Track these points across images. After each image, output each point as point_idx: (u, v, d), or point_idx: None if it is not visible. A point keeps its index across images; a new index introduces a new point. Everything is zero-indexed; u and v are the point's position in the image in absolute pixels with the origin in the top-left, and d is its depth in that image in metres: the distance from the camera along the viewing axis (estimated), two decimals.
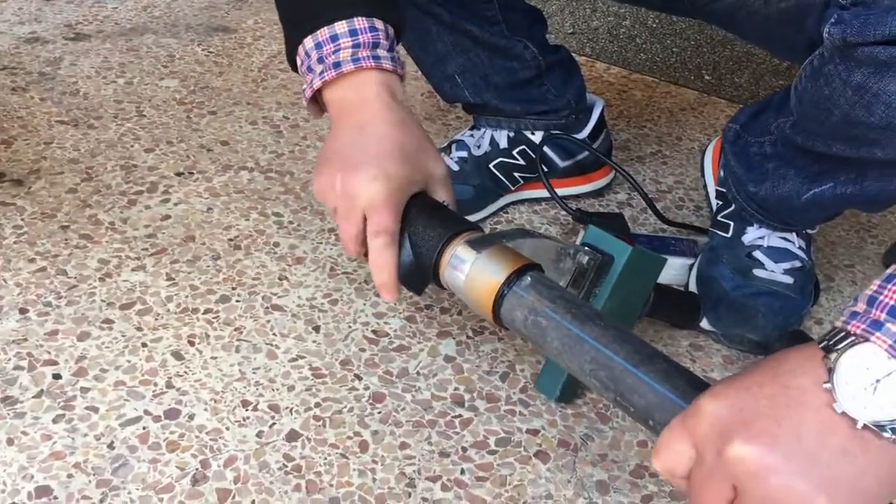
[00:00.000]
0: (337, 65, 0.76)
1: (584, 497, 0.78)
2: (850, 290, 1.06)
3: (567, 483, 0.79)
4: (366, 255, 0.77)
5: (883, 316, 0.45)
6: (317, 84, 0.77)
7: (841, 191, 0.84)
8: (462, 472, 0.79)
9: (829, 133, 0.77)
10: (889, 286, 0.46)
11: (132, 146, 1.22)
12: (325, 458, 0.79)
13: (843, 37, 0.66)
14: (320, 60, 0.77)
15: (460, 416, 0.84)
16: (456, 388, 0.87)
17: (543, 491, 0.78)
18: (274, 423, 0.81)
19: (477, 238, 0.74)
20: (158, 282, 0.97)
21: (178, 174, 1.16)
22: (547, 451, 0.81)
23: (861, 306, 0.47)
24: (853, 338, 0.46)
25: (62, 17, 1.60)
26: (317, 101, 0.81)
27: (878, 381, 0.45)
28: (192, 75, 1.43)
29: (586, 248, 0.80)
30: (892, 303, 0.45)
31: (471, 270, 0.72)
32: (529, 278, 0.69)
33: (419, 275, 0.77)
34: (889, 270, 0.47)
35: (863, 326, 0.46)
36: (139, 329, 0.90)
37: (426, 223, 0.76)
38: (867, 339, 0.45)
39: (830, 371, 0.46)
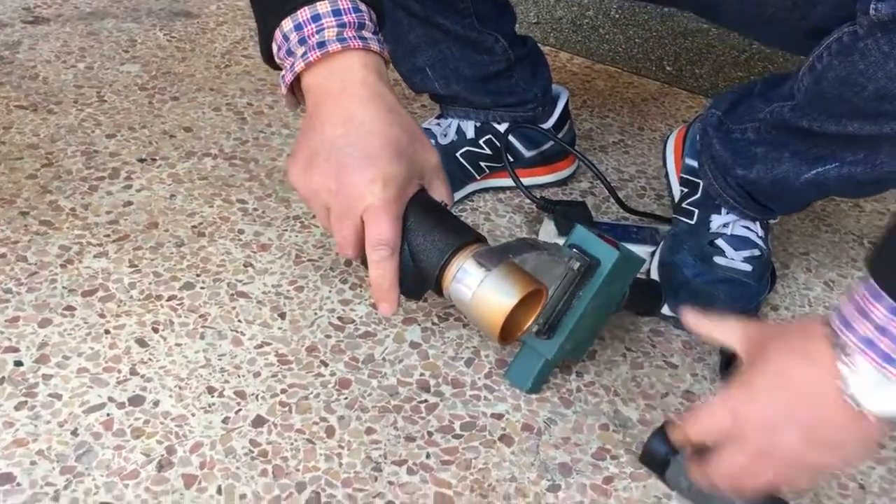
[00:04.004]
0: (321, 45, 0.71)
1: (547, 479, 0.79)
2: (805, 278, 1.09)
3: (530, 466, 0.80)
4: (363, 259, 0.74)
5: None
6: (299, 67, 0.72)
7: (848, 170, 0.84)
8: (428, 456, 0.80)
9: (853, 111, 0.78)
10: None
11: (93, 132, 1.20)
12: (292, 444, 0.79)
13: (892, 12, 0.69)
14: (302, 42, 0.72)
15: (426, 401, 0.85)
16: (422, 374, 0.88)
17: (507, 474, 0.79)
18: (240, 410, 0.82)
19: (485, 252, 0.73)
20: (121, 268, 0.96)
21: (141, 160, 1.15)
22: (511, 435, 0.83)
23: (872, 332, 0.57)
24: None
25: (20, 0, 1.57)
26: (293, 91, 0.76)
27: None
28: (153, 60, 1.42)
29: (575, 251, 0.81)
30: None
31: (479, 288, 0.71)
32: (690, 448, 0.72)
33: (418, 283, 0.75)
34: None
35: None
36: (102, 316, 0.90)
37: (428, 231, 0.73)
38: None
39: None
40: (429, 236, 0.73)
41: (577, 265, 0.80)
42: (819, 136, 0.84)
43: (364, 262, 0.74)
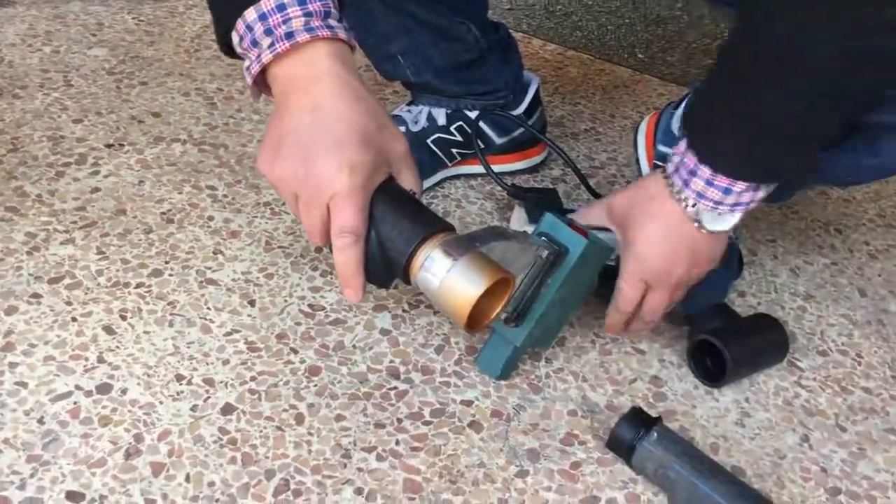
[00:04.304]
0: (290, 35, 0.70)
1: (516, 464, 0.80)
2: (772, 264, 1.10)
3: (500, 451, 0.81)
4: (332, 246, 0.74)
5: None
6: (267, 58, 0.71)
7: (850, 157, 0.84)
8: (397, 442, 0.80)
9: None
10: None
11: (59, 116, 1.19)
12: (261, 431, 0.79)
13: None
14: (268, 32, 0.71)
15: (396, 388, 0.85)
16: (392, 361, 0.88)
17: (476, 459, 0.79)
18: (209, 397, 0.81)
19: (452, 241, 0.74)
20: (88, 255, 0.95)
21: (108, 146, 1.14)
22: (480, 422, 0.83)
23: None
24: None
25: None
26: (256, 81, 0.75)
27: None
28: (121, 44, 1.40)
29: (543, 239, 0.81)
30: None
31: (446, 277, 0.71)
32: (656, 434, 0.77)
33: (386, 271, 0.75)
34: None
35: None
36: (69, 303, 0.89)
37: (396, 220, 0.73)
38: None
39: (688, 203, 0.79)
40: (396, 225, 0.73)
41: (545, 253, 0.80)
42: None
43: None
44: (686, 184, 0.78)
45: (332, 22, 0.72)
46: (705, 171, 0.76)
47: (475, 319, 0.74)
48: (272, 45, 0.71)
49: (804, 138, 0.75)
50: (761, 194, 0.77)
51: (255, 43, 0.72)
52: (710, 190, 0.77)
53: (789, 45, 0.68)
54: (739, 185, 0.76)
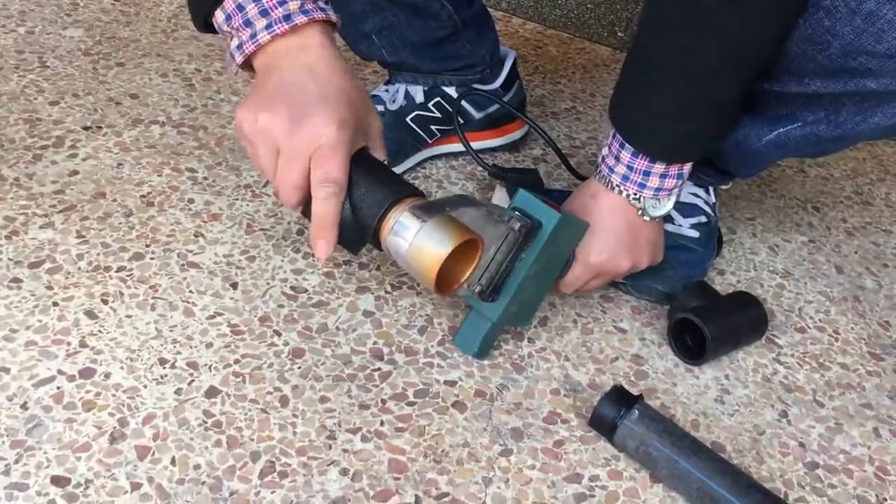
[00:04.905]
0: (288, 17, 0.73)
1: (500, 444, 0.81)
2: (751, 242, 1.12)
3: (483, 431, 0.81)
4: (305, 210, 0.75)
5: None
6: (264, 39, 0.73)
7: (811, 129, 0.86)
8: (382, 423, 0.81)
9: (816, 69, 0.79)
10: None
11: (35, 99, 1.17)
12: (246, 414, 0.79)
13: None
14: (263, 13, 0.73)
15: (379, 369, 0.86)
16: (375, 343, 0.89)
17: (461, 439, 0.80)
18: (193, 381, 0.81)
19: (421, 205, 0.74)
20: (68, 239, 0.95)
21: (86, 128, 1.13)
22: (464, 402, 0.84)
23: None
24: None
25: None
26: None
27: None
28: (97, 25, 1.38)
29: (517, 212, 0.82)
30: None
31: (415, 239, 0.72)
32: (637, 412, 0.78)
33: (357, 235, 0.76)
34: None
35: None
36: (49, 288, 0.89)
37: (369, 184, 0.75)
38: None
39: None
40: (369, 189, 0.75)
41: (517, 226, 0.81)
42: (779, 96, 0.85)
43: (305, 213, 0.75)
44: (611, 170, 0.87)
45: (321, 3, 0.75)
46: (626, 155, 0.85)
47: (445, 282, 0.75)
48: (269, 26, 0.73)
49: (705, 104, 0.82)
50: (683, 172, 0.86)
51: (247, 23, 0.74)
52: (632, 174, 0.86)
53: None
54: (658, 167, 0.85)
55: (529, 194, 0.83)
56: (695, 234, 0.99)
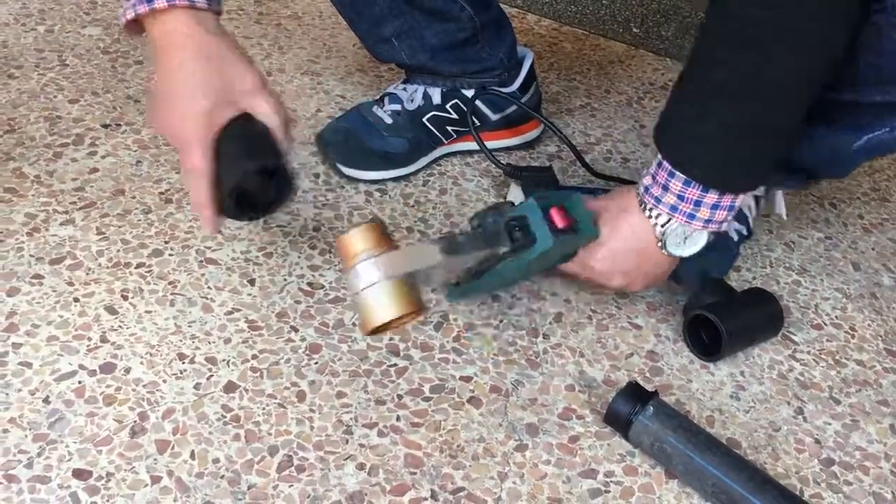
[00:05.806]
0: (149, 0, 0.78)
1: (515, 439, 0.81)
2: (767, 239, 1.11)
3: (499, 426, 0.82)
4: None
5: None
6: (129, 15, 0.79)
7: (832, 140, 0.87)
8: (398, 418, 0.81)
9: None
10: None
11: (56, 97, 1.19)
12: (264, 409, 0.80)
13: None
14: None
15: (395, 364, 0.86)
16: (391, 338, 0.89)
17: (476, 435, 0.81)
18: (211, 376, 0.82)
19: (388, 257, 0.74)
20: (88, 236, 0.96)
21: (105, 126, 1.14)
22: (479, 397, 0.84)
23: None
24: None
25: None
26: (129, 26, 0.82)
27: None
28: (115, 23, 1.39)
29: (515, 223, 0.81)
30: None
31: (364, 292, 0.73)
32: (652, 408, 0.79)
33: (229, 205, 0.81)
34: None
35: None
36: (70, 284, 0.90)
37: (225, 158, 0.80)
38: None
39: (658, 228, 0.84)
40: (225, 162, 0.80)
41: (502, 251, 0.81)
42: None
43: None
44: (658, 200, 0.82)
45: None
46: (677, 184, 0.80)
47: (379, 329, 0.75)
48: (135, 4, 0.78)
49: (769, 131, 0.78)
50: (735, 203, 0.81)
51: None
52: (682, 204, 0.81)
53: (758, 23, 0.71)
54: (710, 197, 0.80)
55: (538, 207, 0.81)
56: (735, 237, 1.01)
